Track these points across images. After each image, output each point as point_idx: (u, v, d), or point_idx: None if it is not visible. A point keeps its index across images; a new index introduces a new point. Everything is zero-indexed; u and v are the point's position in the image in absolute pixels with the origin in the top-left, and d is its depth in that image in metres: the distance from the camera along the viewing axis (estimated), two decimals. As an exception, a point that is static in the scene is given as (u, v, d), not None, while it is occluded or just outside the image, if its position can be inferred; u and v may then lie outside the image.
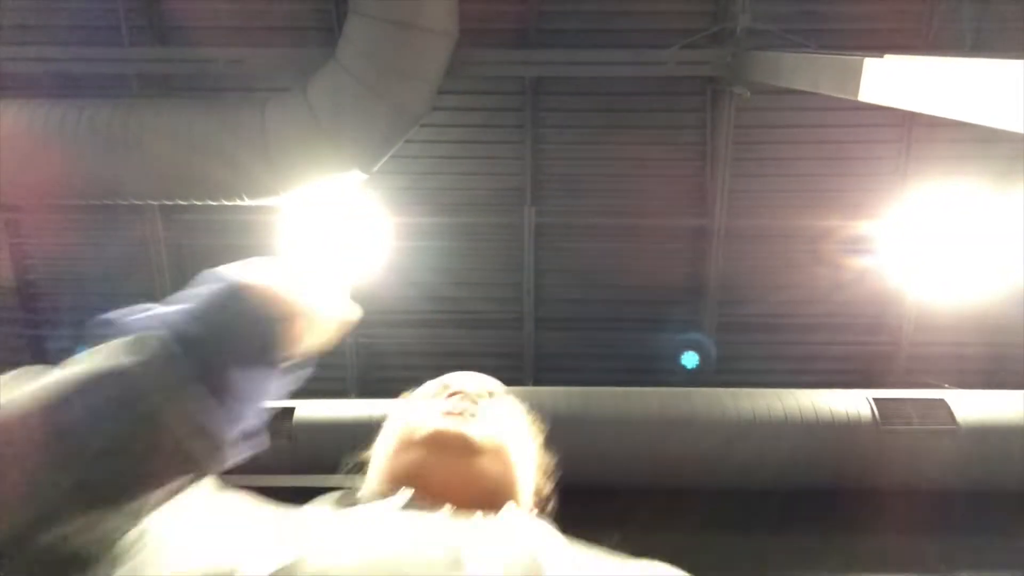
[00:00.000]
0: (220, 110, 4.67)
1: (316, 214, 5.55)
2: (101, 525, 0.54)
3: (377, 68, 4.37)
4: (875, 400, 4.53)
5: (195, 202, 4.85)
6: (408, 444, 0.79)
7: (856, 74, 3.08)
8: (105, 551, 0.53)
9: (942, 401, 4.55)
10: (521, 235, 5.81)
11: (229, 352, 0.67)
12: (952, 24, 5.04)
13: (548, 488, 0.94)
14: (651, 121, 5.54)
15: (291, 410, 4.52)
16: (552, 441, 0.96)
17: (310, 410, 4.56)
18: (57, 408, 0.57)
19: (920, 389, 4.90)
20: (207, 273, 0.75)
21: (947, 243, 5.38)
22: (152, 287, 5.94)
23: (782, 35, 4.93)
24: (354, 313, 0.86)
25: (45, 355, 6.33)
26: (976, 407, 4.52)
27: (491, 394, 0.90)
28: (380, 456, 0.84)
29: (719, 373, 5.95)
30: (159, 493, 0.58)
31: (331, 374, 6.13)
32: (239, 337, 0.69)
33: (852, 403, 4.52)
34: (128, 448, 0.58)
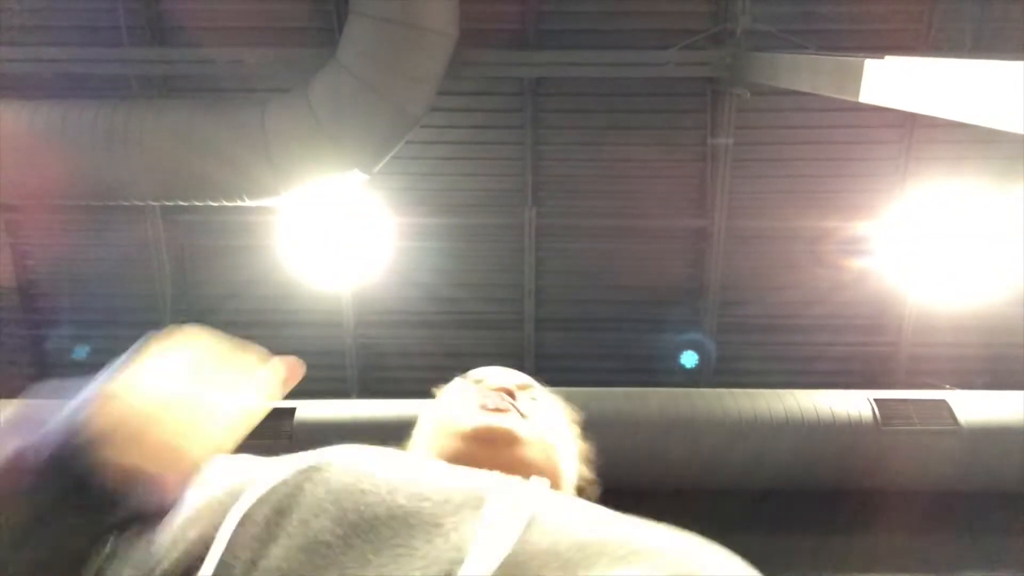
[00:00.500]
0: (220, 110, 4.67)
1: (317, 214, 5.56)
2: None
3: (378, 68, 4.37)
4: (876, 401, 4.53)
5: (195, 202, 4.85)
6: (451, 436, 0.78)
7: (856, 75, 3.08)
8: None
9: (943, 402, 4.54)
10: (521, 236, 5.82)
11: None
12: (952, 24, 5.04)
13: (590, 475, 0.94)
14: (651, 122, 5.54)
15: (291, 410, 4.51)
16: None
17: (310, 410, 4.55)
18: None
19: (921, 390, 4.90)
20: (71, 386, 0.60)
21: (947, 243, 5.39)
22: (152, 287, 5.95)
23: (782, 36, 4.94)
24: (288, 371, 0.71)
25: (45, 355, 6.33)
26: (977, 407, 4.52)
27: (525, 388, 0.90)
28: (419, 446, 0.84)
29: (719, 373, 5.95)
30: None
31: (331, 374, 6.13)
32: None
33: (853, 404, 4.52)
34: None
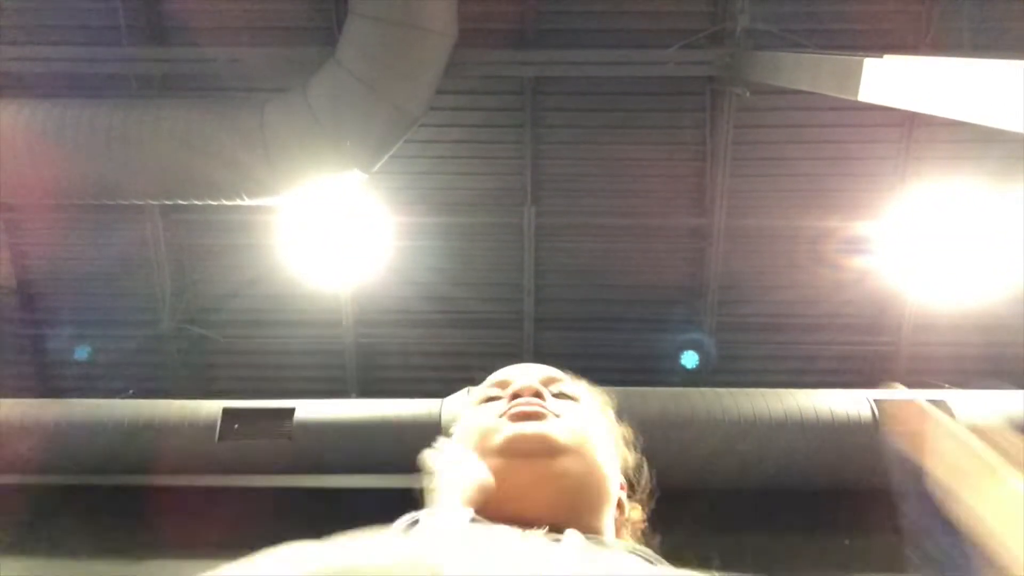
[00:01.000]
0: (220, 110, 4.66)
1: (316, 214, 5.56)
2: None
3: (377, 68, 4.37)
4: (875, 400, 4.53)
5: (195, 202, 4.85)
6: (489, 455, 0.74)
7: (856, 74, 3.08)
8: None
9: (943, 402, 4.54)
10: (521, 235, 5.82)
11: None
12: (951, 24, 5.04)
13: (634, 458, 0.91)
14: (651, 121, 5.54)
15: (291, 410, 4.51)
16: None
17: (310, 410, 4.55)
18: None
19: (920, 389, 4.89)
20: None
21: (947, 243, 5.39)
22: (151, 286, 5.95)
23: (782, 35, 4.94)
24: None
25: (45, 355, 6.34)
26: (977, 407, 4.52)
27: (553, 381, 0.86)
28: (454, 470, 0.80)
29: (719, 373, 5.95)
30: None
31: (330, 374, 6.14)
32: None
33: (852, 403, 4.52)
34: None
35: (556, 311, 6.12)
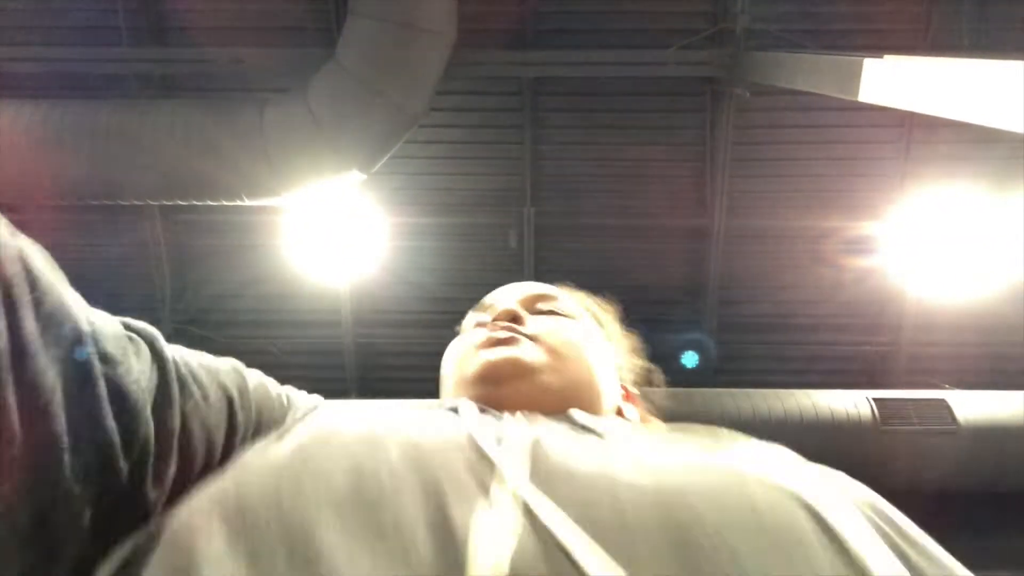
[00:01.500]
0: (219, 110, 4.67)
1: (316, 214, 5.56)
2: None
3: (376, 68, 4.37)
4: (875, 400, 4.53)
5: (194, 202, 4.85)
6: (463, 387, 0.73)
7: (856, 74, 3.08)
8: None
9: (943, 401, 4.55)
10: (521, 235, 5.81)
11: None
12: (951, 24, 5.05)
13: (642, 364, 0.88)
14: (650, 121, 5.54)
15: (291, 410, 4.50)
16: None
17: (310, 410, 4.54)
18: None
19: (920, 389, 4.90)
20: None
21: (947, 243, 5.39)
22: (151, 286, 5.95)
23: (782, 35, 4.94)
24: None
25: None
26: (977, 407, 4.52)
27: (542, 298, 0.84)
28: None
29: (719, 373, 5.95)
30: None
31: (330, 374, 6.13)
32: None
33: (852, 403, 4.52)
34: None
35: (556, 311, 6.10)
